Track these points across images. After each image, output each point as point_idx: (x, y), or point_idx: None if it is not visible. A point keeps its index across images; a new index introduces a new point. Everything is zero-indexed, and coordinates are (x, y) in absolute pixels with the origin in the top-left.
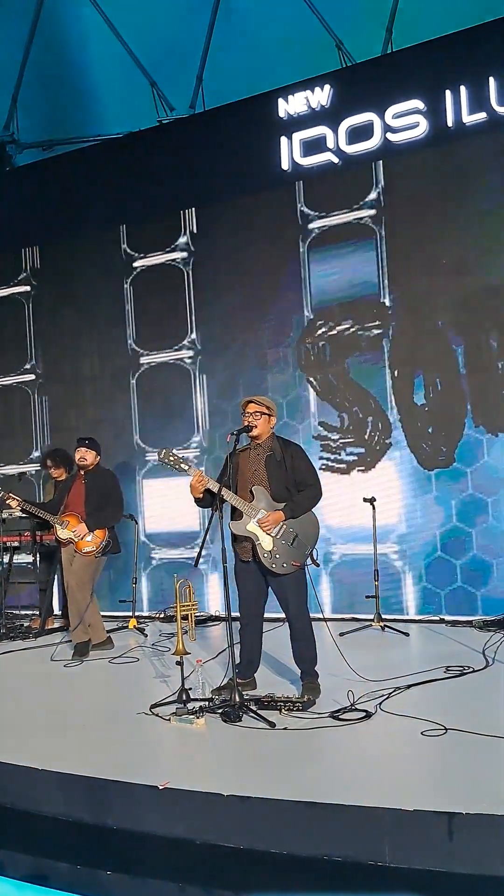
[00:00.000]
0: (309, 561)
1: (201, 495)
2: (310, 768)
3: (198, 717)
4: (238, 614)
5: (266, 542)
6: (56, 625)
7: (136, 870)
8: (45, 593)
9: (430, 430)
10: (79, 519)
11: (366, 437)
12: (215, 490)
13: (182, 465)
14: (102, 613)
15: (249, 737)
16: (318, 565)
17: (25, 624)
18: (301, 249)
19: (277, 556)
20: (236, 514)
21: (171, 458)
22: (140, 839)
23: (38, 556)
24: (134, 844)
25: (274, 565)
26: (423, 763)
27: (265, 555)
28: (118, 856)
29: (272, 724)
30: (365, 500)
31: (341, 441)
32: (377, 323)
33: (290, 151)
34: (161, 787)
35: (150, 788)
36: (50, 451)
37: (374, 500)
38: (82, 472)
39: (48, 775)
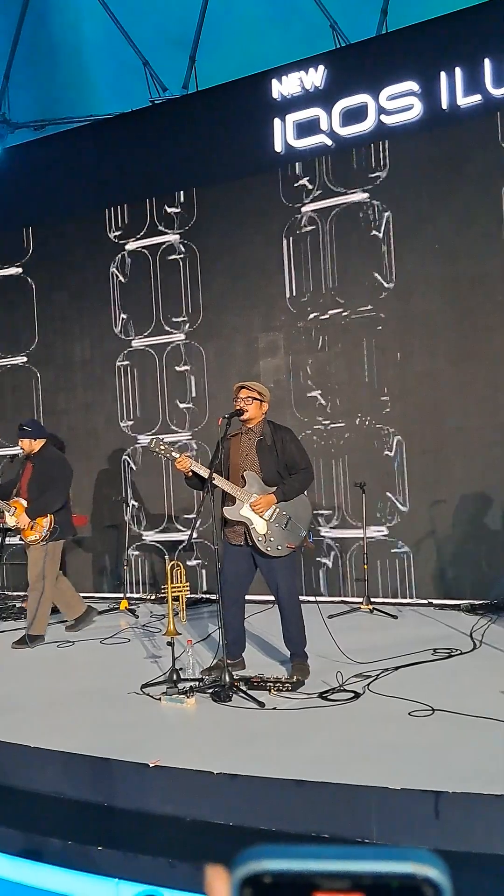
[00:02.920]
0: (303, 543)
1: (189, 473)
2: (298, 747)
3: (188, 697)
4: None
5: (260, 526)
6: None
7: (126, 846)
8: None
9: (420, 415)
10: (24, 506)
11: (356, 421)
12: (205, 476)
13: (172, 454)
14: (93, 595)
15: (239, 716)
16: (313, 547)
17: (18, 605)
18: (293, 232)
19: (272, 539)
20: (229, 499)
21: (162, 447)
22: (131, 816)
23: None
24: (125, 821)
25: (269, 549)
26: (410, 743)
27: (259, 538)
28: (109, 832)
29: (261, 704)
30: (355, 484)
31: (332, 426)
32: (368, 307)
33: (283, 133)
34: (151, 765)
35: (141, 766)
36: None
37: (365, 484)
38: (30, 456)
39: (41, 753)
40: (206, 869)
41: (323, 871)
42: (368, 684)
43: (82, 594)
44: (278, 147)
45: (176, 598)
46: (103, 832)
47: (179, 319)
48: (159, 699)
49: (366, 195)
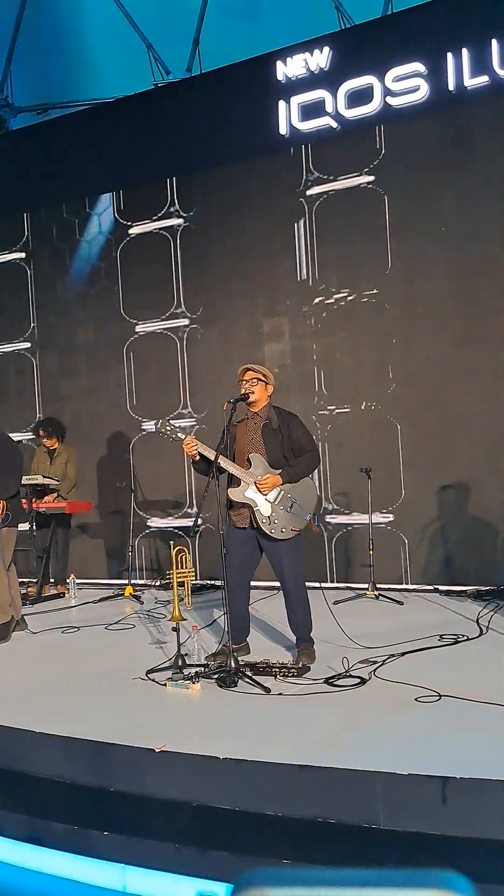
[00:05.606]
0: (309, 527)
1: (196, 457)
2: (304, 733)
3: (194, 682)
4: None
5: (264, 508)
6: (52, 591)
7: (132, 831)
8: (41, 560)
9: (426, 399)
10: None
11: (362, 406)
12: (211, 458)
13: (179, 435)
14: (98, 581)
15: (244, 702)
16: (318, 531)
17: (22, 591)
18: (298, 216)
19: (276, 521)
20: (234, 481)
21: (168, 428)
22: (136, 801)
23: (34, 523)
24: (130, 806)
25: (273, 531)
26: (417, 728)
27: (263, 521)
28: (115, 817)
29: (267, 690)
30: (361, 469)
31: (336, 411)
32: (374, 291)
33: (288, 116)
34: (157, 750)
35: (147, 751)
36: (41, 420)
37: (371, 469)
38: None
39: (46, 738)
40: None
41: None
42: (375, 670)
43: (87, 580)
44: (283, 129)
45: (181, 584)
46: (108, 817)
47: (183, 303)
48: (165, 684)
49: (371, 177)
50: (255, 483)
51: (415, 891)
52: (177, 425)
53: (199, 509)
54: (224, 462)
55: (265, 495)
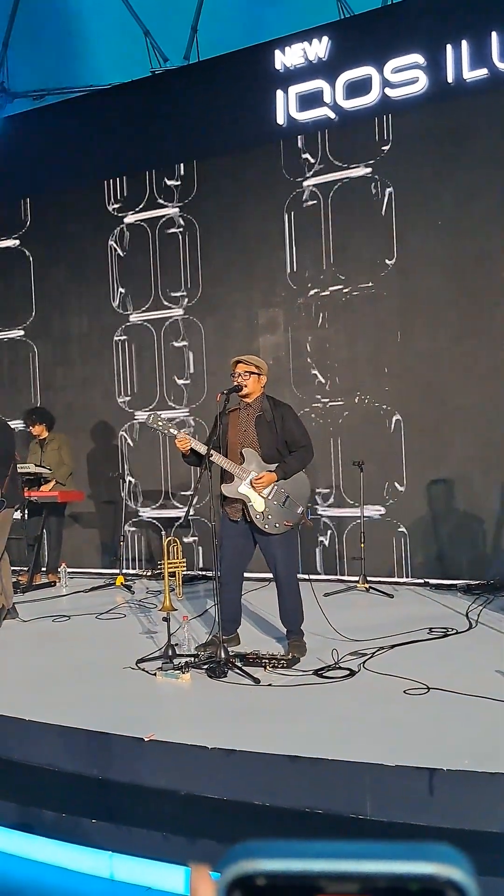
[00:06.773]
0: (301, 521)
1: (188, 452)
2: (293, 723)
3: (183, 672)
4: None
5: (258, 504)
6: (44, 580)
7: (120, 819)
8: (33, 548)
9: (421, 394)
10: None
11: (356, 399)
12: (204, 452)
13: (171, 430)
14: (89, 570)
15: (234, 692)
16: (310, 525)
17: (13, 579)
18: (294, 207)
19: (269, 517)
20: (227, 476)
21: (160, 423)
22: (125, 789)
23: (26, 511)
24: (119, 794)
25: (266, 526)
26: (405, 720)
27: (257, 516)
28: (104, 805)
29: (257, 681)
30: (354, 462)
31: (331, 404)
32: (370, 284)
33: (285, 105)
34: (146, 739)
35: (136, 740)
36: (29, 409)
37: (363, 462)
38: None
39: (35, 726)
40: (190, 868)
41: (328, 871)
42: (364, 662)
43: (79, 569)
44: (280, 119)
45: (172, 574)
46: (97, 805)
47: (178, 294)
48: (155, 674)
49: (368, 170)
50: (251, 482)
51: (412, 863)
52: (168, 420)
53: (190, 503)
54: (217, 457)
55: (259, 492)
